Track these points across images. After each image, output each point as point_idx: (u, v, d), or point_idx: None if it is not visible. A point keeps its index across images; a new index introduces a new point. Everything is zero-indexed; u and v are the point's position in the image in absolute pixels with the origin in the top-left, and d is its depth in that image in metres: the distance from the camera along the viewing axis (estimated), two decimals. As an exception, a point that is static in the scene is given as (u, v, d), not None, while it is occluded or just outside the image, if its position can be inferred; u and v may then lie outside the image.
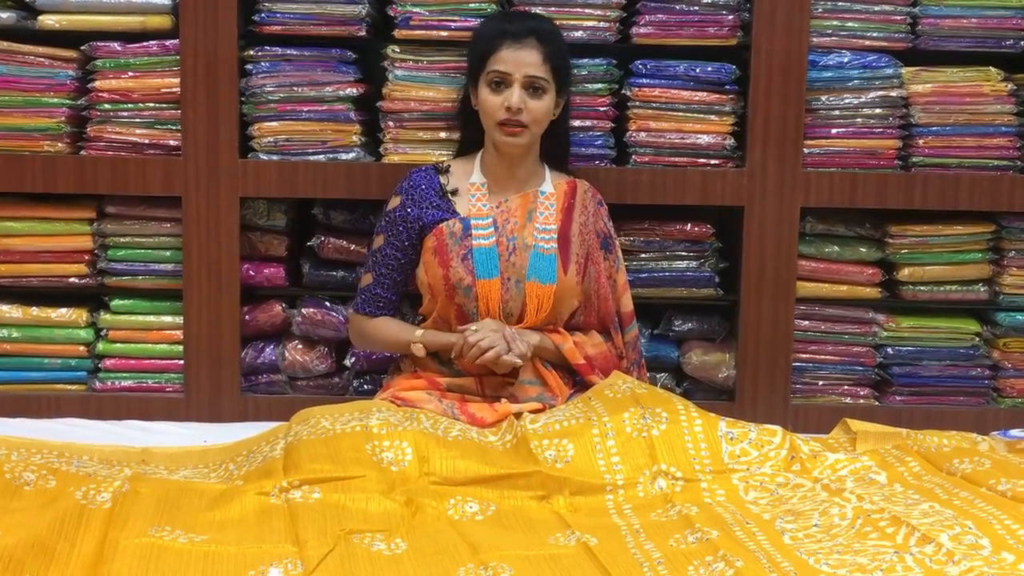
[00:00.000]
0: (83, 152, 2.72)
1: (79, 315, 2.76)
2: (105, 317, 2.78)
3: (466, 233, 2.42)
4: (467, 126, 2.56)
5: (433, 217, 2.45)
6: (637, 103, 2.72)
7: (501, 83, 2.38)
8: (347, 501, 1.93)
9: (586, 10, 2.69)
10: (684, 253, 2.79)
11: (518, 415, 2.26)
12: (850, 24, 2.72)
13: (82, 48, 2.71)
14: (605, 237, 2.54)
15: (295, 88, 2.70)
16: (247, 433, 2.33)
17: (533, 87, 2.38)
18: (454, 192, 2.47)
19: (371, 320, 2.52)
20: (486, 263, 2.40)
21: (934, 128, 2.74)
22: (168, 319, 2.78)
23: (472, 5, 2.66)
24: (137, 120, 2.71)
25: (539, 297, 2.42)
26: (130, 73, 2.70)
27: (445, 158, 2.63)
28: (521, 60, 2.37)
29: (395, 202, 2.49)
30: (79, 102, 2.72)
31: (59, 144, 2.70)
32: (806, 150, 2.72)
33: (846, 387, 2.83)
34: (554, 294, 2.42)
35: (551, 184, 2.49)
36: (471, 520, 1.95)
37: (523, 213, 2.46)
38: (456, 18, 2.65)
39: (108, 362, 2.78)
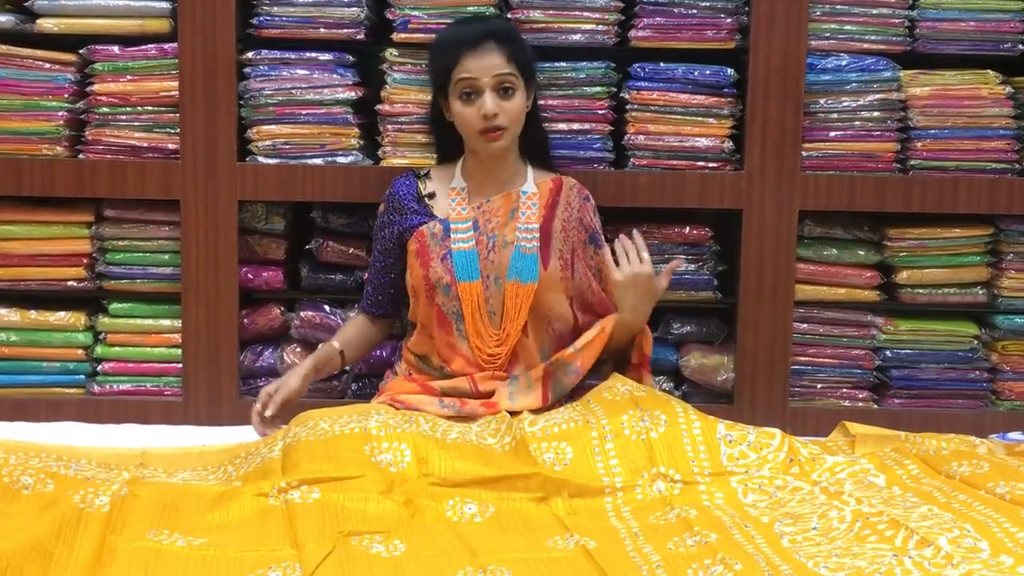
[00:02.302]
0: (81, 156, 2.72)
1: (77, 319, 2.76)
2: (103, 321, 2.78)
3: (446, 234, 2.43)
4: (441, 135, 2.56)
5: (412, 222, 2.47)
6: (635, 106, 2.72)
7: (471, 92, 2.38)
8: (346, 501, 1.93)
9: (584, 13, 2.69)
10: (683, 256, 2.78)
11: (515, 414, 2.27)
12: (848, 27, 2.73)
13: (80, 52, 2.71)
14: (592, 232, 2.54)
15: (293, 91, 2.70)
16: (245, 437, 2.33)
17: (503, 88, 2.38)
18: (431, 196, 2.48)
19: (356, 315, 2.62)
20: (466, 265, 2.42)
21: (932, 131, 2.74)
22: (166, 323, 2.78)
23: (470, 8, 2.66)
24: (136, 124, 2.71)
25: (519, 296, 2.42)
26: (128, 77, 2.71)
27: (430, 162, 2.63)
28: (485, 65, 2.36)
29: (380, 209, 2.54)
30: (77, 106, 2.72)
31: (57, 148, 2.70)
32: (804, 153, 2.72)
33: (845, 390, 2.83)
34: (535, 293, 2.42)
35: (533, 183, 2.50)
36: (470, 522, 1.94)
37: (505, 212, 2.47)
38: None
39: (106, 366, 2.78)
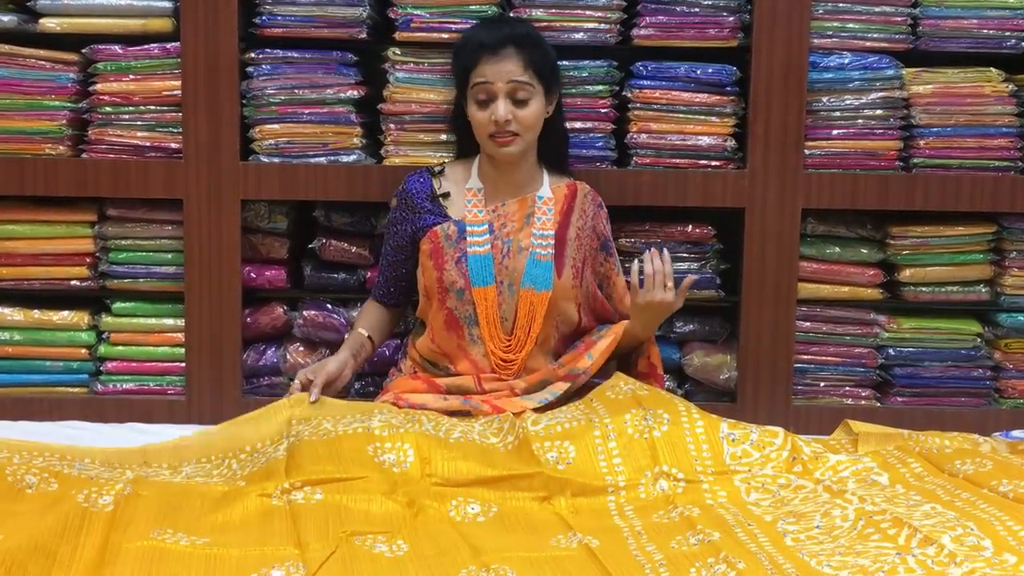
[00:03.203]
0: (84, 155, 2.72)
1: (80, 318, 2.76)
2: (107, 320, 2.78)
3: (461, 236, 2.43)
4: (462, 131, 2.55)
5: (426, 221, 2.46)
6: (638, 105, 2.72)
7: (486, 97, 2.37)
8: (349, 502, 1.94)
9: (587, 12, 2.69)
10: (685, 255, 2.78)
11: (518, 413, 2.27)
12: (851, 25, 2.72)
13: (83, 51, 2.71)
14: (604, 239, 2.54)
15: (296, 91, 2.70)
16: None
17: (518, 94, 2.37)
18: (446, 195, 2.48)
19: (368, 302, 2.62)
20: (480, 270, 2.41)
21: (935, 129, 2.74)
22: (169, 322, 2.78)
23: (473, 7, 2.66)
24: (138, 123, 2.71)
25: (532, 304, 2.42)
26: (131, 76, 2.71)
27: (446, 159, 2.63)
28: (501, 71, 2.35)
29: (393, 203, 2.53)
30: (80, 105, 2.72)
31: (60, 147, 2.70)
32: (807, 151, 2.72)
33: (847, 388, 2.83)
34: (549, 300, 2.42)
35: (549, 188, 2.49)
36: (473, 521, 1.95)
37: (520, 216, 2.46)
38: (457, 20, 2.65)
39: (110, 365, 2.78)
